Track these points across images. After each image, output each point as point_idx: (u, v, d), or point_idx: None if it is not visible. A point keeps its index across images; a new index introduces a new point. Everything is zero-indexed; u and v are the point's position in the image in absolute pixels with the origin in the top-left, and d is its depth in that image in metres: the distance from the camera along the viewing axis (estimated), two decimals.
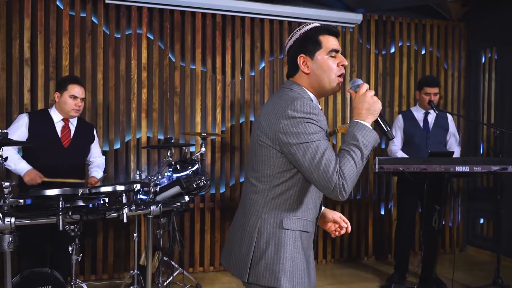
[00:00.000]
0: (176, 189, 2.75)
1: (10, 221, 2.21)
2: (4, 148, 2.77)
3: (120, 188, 2.61)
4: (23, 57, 3.64)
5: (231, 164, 4.21)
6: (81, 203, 2.46)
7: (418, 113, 3.89)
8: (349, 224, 1.69)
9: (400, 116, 3.95)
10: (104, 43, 3.85)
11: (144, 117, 3.94)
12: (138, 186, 2.70)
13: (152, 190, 2.76)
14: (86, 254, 3.78)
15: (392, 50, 4.70)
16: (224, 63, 4.17)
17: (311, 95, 1.51)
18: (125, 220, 2.49)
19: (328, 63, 1.48)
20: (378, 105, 1.41)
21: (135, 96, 3.92)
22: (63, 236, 2.72)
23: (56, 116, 2.94)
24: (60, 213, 2.30)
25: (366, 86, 1.44)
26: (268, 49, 4.28)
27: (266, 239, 1.43)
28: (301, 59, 1.50)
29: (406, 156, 3.75)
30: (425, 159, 3.33)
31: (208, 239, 4.12)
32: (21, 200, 2.38)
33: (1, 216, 2.19)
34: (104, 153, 3.80)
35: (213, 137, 4.06)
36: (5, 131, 2.17)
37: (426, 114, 3.86)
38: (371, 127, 1.38)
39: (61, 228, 2.29)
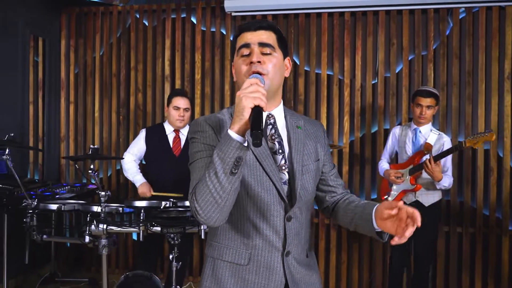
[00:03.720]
0: None
1: (103, 228, 2.46)
2: (124, 161, 3.14)
3: None
4: (164, 74, 4.06)
5: (360, 179, 3.75)
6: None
7: None
8: (417, 219, 1.09)
9: None
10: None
11: None
12: None
13: None
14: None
15: None
16: (354, 65, 3.74)
17: None
18: (202, 237, 2.48)
19: (238, 65, 1.31)
20: (241, 104, 1.08)
21: None
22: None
23: (168, 128, 3.17)
24: (141, 224, 2.44)
25: (248, 81, 1.12)
26: (407, 46, 3.64)
27: None
28: (233, 68, 1.39)
29: None
30: None
31: (333, 259, 3.76)
32: (120, 208, 2.63)
33: (95, 223, 2.45)
34: None
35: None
36: (96, 146, 2.41)
37: None
38: (231, 135, 1.09)
39: (141, 239, 2.43)
